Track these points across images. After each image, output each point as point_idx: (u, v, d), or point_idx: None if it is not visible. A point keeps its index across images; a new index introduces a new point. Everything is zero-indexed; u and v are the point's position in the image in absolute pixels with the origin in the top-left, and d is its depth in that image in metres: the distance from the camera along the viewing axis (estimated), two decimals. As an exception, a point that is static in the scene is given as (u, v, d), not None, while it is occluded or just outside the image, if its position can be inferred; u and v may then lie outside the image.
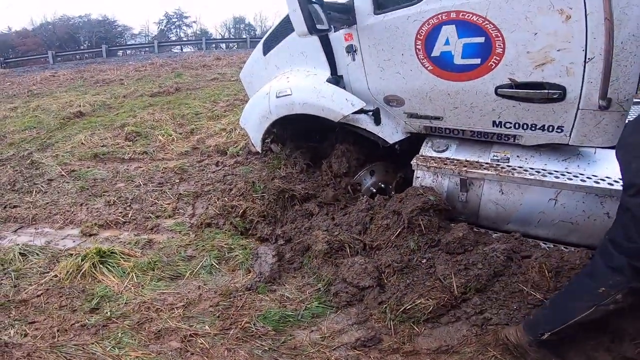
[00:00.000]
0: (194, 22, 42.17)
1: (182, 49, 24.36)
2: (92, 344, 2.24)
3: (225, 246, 3.10)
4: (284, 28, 3.27)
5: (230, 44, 27.74)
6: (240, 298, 2.52)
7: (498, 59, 2.23)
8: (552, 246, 2.38)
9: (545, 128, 2.37)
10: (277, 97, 3.15)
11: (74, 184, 4.49)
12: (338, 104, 2.89)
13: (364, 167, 3.37)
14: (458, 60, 2.34)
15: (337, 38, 2.89)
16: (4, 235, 3.74)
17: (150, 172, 4.67)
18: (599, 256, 1.57)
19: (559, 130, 2.32)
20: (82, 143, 5.53)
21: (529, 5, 2.05)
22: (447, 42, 2.32)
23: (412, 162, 2.76)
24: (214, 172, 4.62)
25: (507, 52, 2.19)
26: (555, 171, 2.38)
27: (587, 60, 2.02)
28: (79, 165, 4.96)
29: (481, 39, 2.21)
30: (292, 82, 3.12)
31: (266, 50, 3.54)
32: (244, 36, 31.87)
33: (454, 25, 2.25)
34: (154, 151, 5.26)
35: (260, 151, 3.85)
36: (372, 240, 2.61)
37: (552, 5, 2.00)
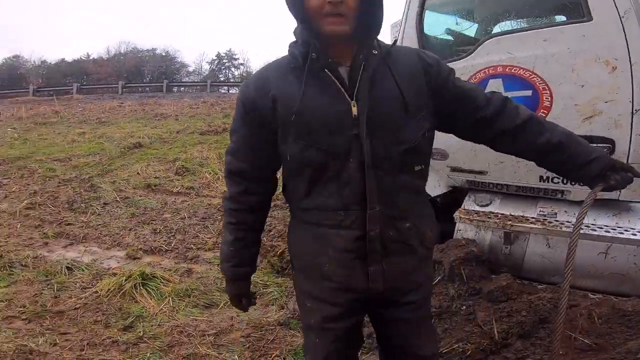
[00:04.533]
0: (242, 64, 45.11)
1: (228, 90, 26.11)
2: (120, 360, 2.25)
3: (260, 282, 3.12)
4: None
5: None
6: (272, 332, 2.49)
7: (545, 112, 2.26)
8: (602, 297, 2.29)
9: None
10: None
11: (126, 209, 4.76)
12: None
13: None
14: None
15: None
16: (53, 249, 3.96)
17: (195, 206, 4.88)
18: None
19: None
20: (137, 173, 5.92)
21: (575, 58, 2.10)
22: None
23: (454, 215, 2.75)
24: (254, 212, 4.75)
25: (554, 105, 2.22)
26: (605, 225, 2.33)
27: (634, 111, 2.01)
28: (133, 193, 5.28)
29: (528, 92, 2.26)
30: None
31: None
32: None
33: (500, 79, 2.32)
34: (200, 187, 5.52)
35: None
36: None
37: (598, 57, 2.04)
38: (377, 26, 1.07)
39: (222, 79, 40.17)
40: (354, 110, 1.04)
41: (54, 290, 3.10)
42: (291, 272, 1.19)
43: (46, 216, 4.67)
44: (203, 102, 13.33)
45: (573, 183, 2.40)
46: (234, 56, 44.75)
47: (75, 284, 3.21)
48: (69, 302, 2.91)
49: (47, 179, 5.88)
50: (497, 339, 2.05)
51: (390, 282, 1.10)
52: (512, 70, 2.29)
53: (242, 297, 1.32)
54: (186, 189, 5.41)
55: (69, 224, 4.47)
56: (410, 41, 2.67)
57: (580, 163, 1.15)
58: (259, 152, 1.15)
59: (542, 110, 2.28)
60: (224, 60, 44.68)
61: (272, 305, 2.86)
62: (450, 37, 2.94)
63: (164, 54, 41.96)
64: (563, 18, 2.50)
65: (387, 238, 1.08)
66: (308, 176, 1.08)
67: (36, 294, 3.03)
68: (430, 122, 1.15)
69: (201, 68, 44.07)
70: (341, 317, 1.13)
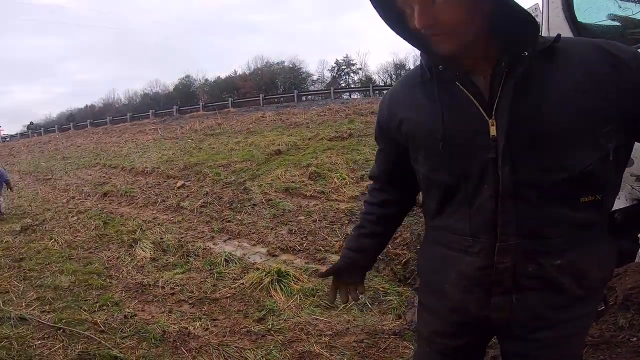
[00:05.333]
0: (360, 69, 44.73)
1: (350, 95, 26.58)
2: (249, 349, 2.63)
3: (381, 289, 3.25)
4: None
5: (393, 91, 28.48)
6: (385, 340, 2.59)
7: None
8: None
9: None
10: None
11: (269, 210, 5.49)
12: None
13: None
14: None
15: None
16: (217, 243, 4.86)
17: (325, 210, 5.29)
18: None
19: None
20: (278, 177, 6.71)
21: None
22: None
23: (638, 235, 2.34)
24: (381, 217, 4.88)
25: None
26: None
27: None
28: (275, 195, 6.03)
29: None
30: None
31: None
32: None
33: None
34: (329, 191, 5.94)
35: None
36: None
37: None
38: (518, 19, 0.85)
39: (343, 85, 41.04)
40: (492, 129, 0.90)
41: (214, 279, 3.83)
42: (418, 281, 1.23)
43: (214, 214, 5.75)
44: (329, 109, 13.97)
45: None
46: (351, 62, 45.10)
47: (229, 275, 3.90)
48: (223, 291, 3.57)
49: (215, 182, 7.17)
50: None
51: (518, 316, 0.99)
52: None
53: (340, 285, 1.29)
54: (317, 192, 5.89)
55: (228, 221, 5.40)
56: (560, 32, 2.35)
57: None
58: (393, 165, 1.16)
59: None
60: (343, 67, 45.38)
61: (390, 313, 2.96)
62: (617, 23, 2.48)
63: (291, 65, 44.54)
64: None
65: (522, 273, 0.95)
66: (438, 196, 1.02)
67: (202, 281, 3.80)
68: (619, 139, 0.89)
69: (323, 76, 45.52)
70: (450, 334, 1.08)
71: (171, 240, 4.96)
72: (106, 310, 3.21)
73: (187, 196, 6.93)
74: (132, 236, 5.15)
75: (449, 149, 0.94)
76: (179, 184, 7.63)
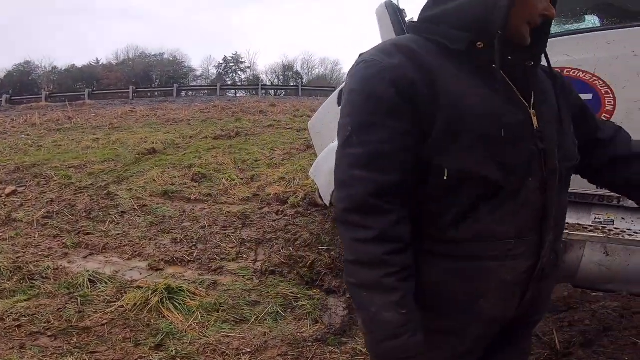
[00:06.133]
0: (248, 67, 44.90)
1: (235, 94, 26.05)
2: (156, 382, 2.15)
3: (290, 295, 3.01)
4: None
5: (279, 91, 29.15)
6: (310, 349, 2.39)
7: (608, 116, 2.17)
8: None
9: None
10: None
11: (145, 218, 4.68)
12: None
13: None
14: None
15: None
16: (74, 260, 3.88)
17: (215, 214, 4.78)
18: None
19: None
20: (153, 180, 5.85)
21: None
22: None
23: None
24: (275, 220, 4.64)
25: (618, 109, 2.14)
26: None
27: None
28: (150, 200, 5.20)
29: (589, 96, 2.17)
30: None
31: (341, 100, 3.66)
32: (292, 84, 33.68)
33: None
34: (217, 194, 5.43)
35: (328, 205, 3.85)
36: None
37: None
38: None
39: (229, 82, 40.25)
40: (535, 120, 0.89)
41: (78, 305, 3.01)
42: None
43: (64, 225, 4.61)
44: (214, 106, 13.25)
45: None
46: (240, 59, 44.85)
47: (100, 298, 3.11)
48: (95, 317, 2.82)
49: (63, 186, 5.83)
50: (558, 349, 2.02)
51: (535, 306, 1.00)
52: (571, 73, 2.19)
53: None
54: (204, 195, 5.32)
55: (88, 234, 4.39)
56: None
57: None
58: (410, 161, 0.84)
59: (604, 115, 2.19)
60: (231, 64, 44.80)
61: (306, 319, 2.75)
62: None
63: (171, 58, 42.02)
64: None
65: (548, 264, 0.95)
66: (468, 198, 0.84)
67: (60, 308, 2.94)
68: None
69: (208, 72, 44.24)
70: (473, 351, 0.98)
71: (2, 262, 3.76)
72: None
73: (22, 205, 5.44)
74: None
75: (499, 136, 0.83)
76: (8, 191, 5.94)
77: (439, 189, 0.85)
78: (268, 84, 35.76)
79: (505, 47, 0.83)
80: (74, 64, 40.14)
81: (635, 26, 2.11)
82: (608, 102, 2.15)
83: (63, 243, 4.22)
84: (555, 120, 0.94)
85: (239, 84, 39.36)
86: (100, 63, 40.58)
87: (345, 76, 0.99)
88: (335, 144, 3.41)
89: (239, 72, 44.87)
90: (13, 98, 18.56)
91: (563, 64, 2.20)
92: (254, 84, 29.99)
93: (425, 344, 0.87)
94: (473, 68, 0.85)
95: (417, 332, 0.83)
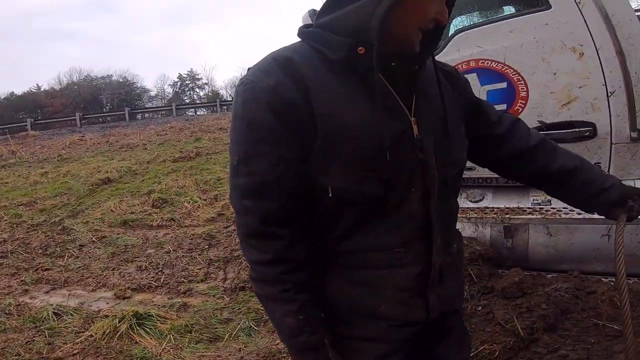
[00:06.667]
0: (206, 83, 43.62)
1: (195, 112, 25.19)
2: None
3: (262, 309, 3.10)
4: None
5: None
6: None
7: (524, 102, 2.27)
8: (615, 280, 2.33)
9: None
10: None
11: (105, 249, 4.59)
12: None
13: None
14: None
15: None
16: (35, 296, 3.77)
17: (179, 238, 4.78)
18: None
19: (597, 168, 2.35)
20: (111, 210, 5.72)
21: (543, 47, 2.14)
22: None
23: None
24: (240, 239, 4.72)
25: (531, 94, 2.24)
26: None
27: (609, 94, 2.05)
28: (109, 231, 5.10)
29: (503, 85, 2.27)
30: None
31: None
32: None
33: (475, 73, 2.33)
34: (180, 218, 5.41)
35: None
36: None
37: (564, 45, 2.08)
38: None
39: (187, 101, 39.05)
40: (415, 128, 0.87)
41: (46, 337, 2.96)
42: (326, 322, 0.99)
43: (20, 263, 4.43)
44: (171, 128, 12.92)
45: None
46: (196, 76, 43.54)
47: (67, 329, 3.07)
48: (65, 348, 2.78)
49: (15, 225, 5.57)
50: (522, 336, 2.03)
51: (445, 306, 1.02)
52: (485, 64, 2.28)
53: None
54: (166, 221, 5.29)
55: (46, 269, 4.26)
56: None
57: (597, 190, 1.05)
58: (299, 180, 0.86)
59: (520, 101, 2.29)
60: (187, 82, 43.44)
61: (277, 330, 2.86)
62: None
63: (121, 79, 40.02)
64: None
65: (444, 265, 0.98)
66: (355, 214, 0.88)
67: (28, 341, 2.89)
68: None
69: (164, 92, 42.62)
70: (394, 353, 1.00)
71: (-42, 303, 3.57)
72: None
73: (-31, 247, 5.15)
74: None
75: (377, 151, 0.83)
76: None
77: (327, 205, 0.88)
78: (228, 99, 35.11)
79: (389, 53, 0.83)
80: (12, 92, 37.33)
81: (530, 13, 2.24)
82: (521, 88, 2.27)
83: (22, 280, 4.07)
84: (439, 124, 0.92)
85: (198, 101, 37.99)
86: (42, 89, 37.97)
87: None
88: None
89: (197, 89, 43.56)
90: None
91: (477, 56, 2.33)
92: (212, 101, 28.94)
93: (347, 351, 1.00)
94: (354, 77, 0.84)
95: (316, 331, 0.93)
